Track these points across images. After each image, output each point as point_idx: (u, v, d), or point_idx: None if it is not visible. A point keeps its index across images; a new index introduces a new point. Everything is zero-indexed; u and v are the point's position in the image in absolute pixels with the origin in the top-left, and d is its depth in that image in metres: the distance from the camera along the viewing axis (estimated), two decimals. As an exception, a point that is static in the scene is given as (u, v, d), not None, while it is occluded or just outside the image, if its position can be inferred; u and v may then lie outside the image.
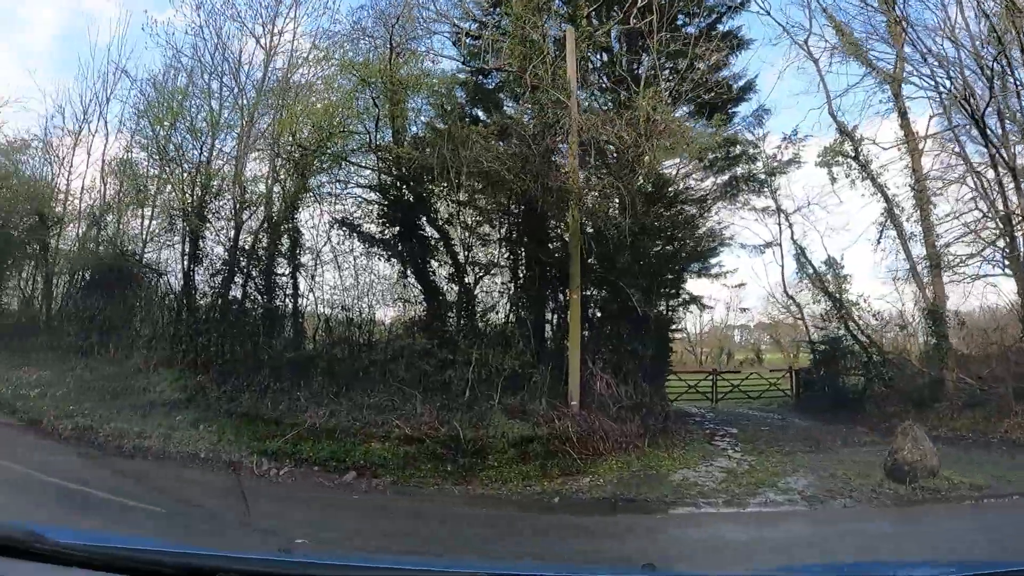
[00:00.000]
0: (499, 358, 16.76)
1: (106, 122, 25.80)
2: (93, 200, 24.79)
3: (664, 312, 22.45)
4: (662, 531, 12.05)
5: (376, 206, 19.57)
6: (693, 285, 25.19)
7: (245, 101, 22.07)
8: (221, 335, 19.44)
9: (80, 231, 25.04)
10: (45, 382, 18.48)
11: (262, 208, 20.96)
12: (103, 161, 24.87)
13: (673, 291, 23.50)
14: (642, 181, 17.74)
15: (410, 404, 16.05)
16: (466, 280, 19.07)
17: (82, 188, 25.49)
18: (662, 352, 21.67)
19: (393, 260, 19.58)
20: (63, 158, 26.16)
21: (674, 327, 25.37)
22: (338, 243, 19.98)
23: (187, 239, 21.39)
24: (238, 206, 20.78)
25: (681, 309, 25.17)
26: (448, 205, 18.63)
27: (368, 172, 19.58)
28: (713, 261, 25.33)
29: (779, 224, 25.15)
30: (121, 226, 23.67)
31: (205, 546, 4.08)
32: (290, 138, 18.45)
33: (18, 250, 25.88)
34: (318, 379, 17.14)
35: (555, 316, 19.08)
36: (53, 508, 9.83)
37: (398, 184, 18.47)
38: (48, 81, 74.44)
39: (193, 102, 22.03)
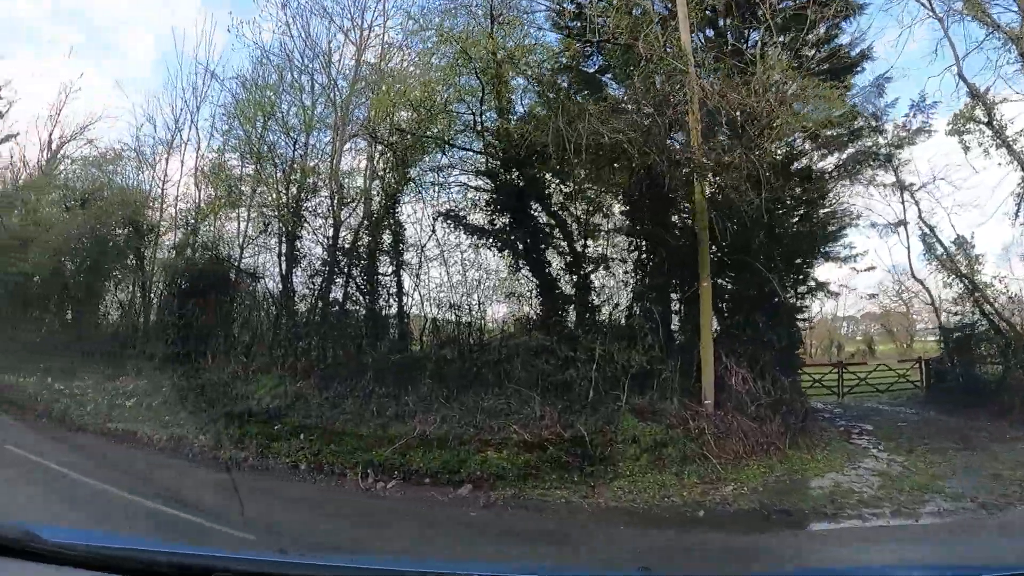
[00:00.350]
0: (625, 354, 15.14)
1: (197, 128, 25.78)
2: (187, 206, 24.48)
3: (793, 299, 20.41)
4: (834, 551, 10.22)
5: (483, 194, 18.25)
6: (819, 270, 22.93)
7: (337, 95, 21.27)
8: (322, 338, 18.51)
9: (175, 238, 24.70)
10: (141, 391, 17.96)
11: (361, 204, 19.96)
12: (196, 166, 24.69)
13: (801, 276, 21.43)
14: (772, 152, 15.87)
15: (528, 407, 14.55)
16: (584, 270, 17.53)
17: (176, 195, 25.37)
18: (793, 343, 19.67)
19: (504, 252, 18.21)
20: (155, 166, 26.34)
21: (802, 316, 23.19)
22: (443, 237, 18.78)
23: (284, 240, 20.65)
24: (335, 203, 19.90)
25: (808, 296, 23.02)
26: (563, 188, 17.16)
27: (473, 158, 18.23)
28: (840, 243, 23.06)
29: (903, 202, 22.75)
30: (216, 230, 23.15)
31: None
32: (388, 123, 17.28)
33: (115, 261, 25.85)
34: (426, 383, 15.84)
35: (681, 306, 17.32)
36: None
37: (507, 168, 17.06)
38: (139, 93, 76.40)
39: (284, 99, 21.36)
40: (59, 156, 32.59)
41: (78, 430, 17.07)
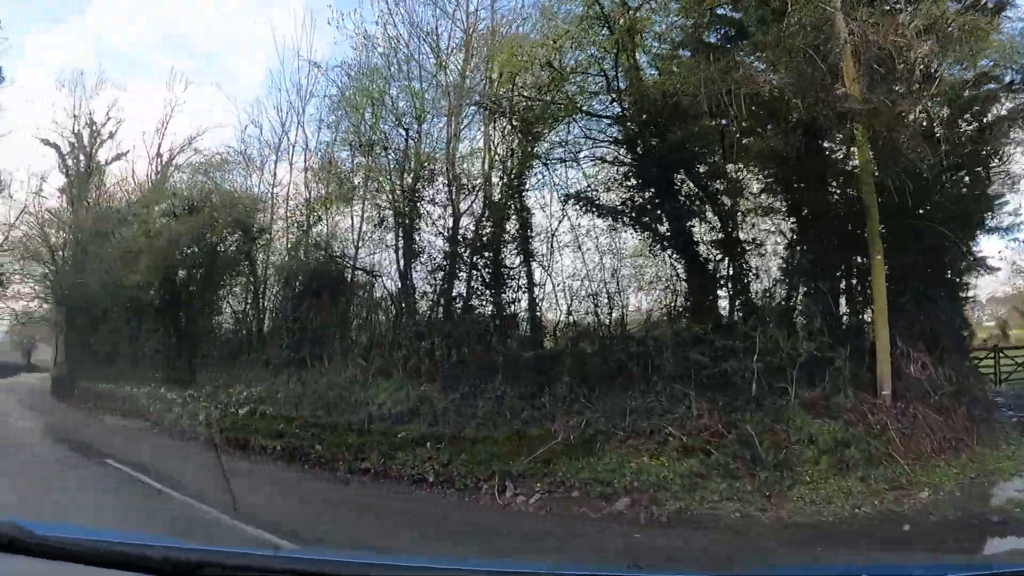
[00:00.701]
0: (790, 341, 13.07)
1: (304, 128, 25.29)
2: (297, 205, 23.54)
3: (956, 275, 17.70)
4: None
5: (619, 168, 16.40)
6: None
7: (447, 77, 19.81)
8: (446, 337, 17.04)
9: (287, 241, 23.85)
10: (255, 399, 17.03)
11: (481, 191, 18.51)
12: (305, 165, 24.00)
13: (965, 248, 18.58)
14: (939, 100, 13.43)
15: (682, 405, 12.65)
16: (738, 247, 15.49)
17: (286, 196, 24.57)
18: (964, 324, 17.01)
19: (644, 233, 16.33)
20: (263, 169, 26.08)
21: (966, 294, 20.26)
22: (575, 220, 17.12)
23: (401, 234, 19.34)
24: (454, 191, 18.45)
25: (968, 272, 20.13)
26: (712, 156, 15.12)
27: (606, 130, 16.42)
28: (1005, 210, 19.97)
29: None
30: (329, 229, 22.19)
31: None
32: (510, 90, 15.63)
33: (226, 267, 25.42)
34: (564, 381, 14.14)
35: (846, 284, 15.15)
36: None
37: (647, 134, 15.14)
38: (244, 107, 77.76)
39: (393, 87, 20.12)
40: (167, 167, 32.60)
41: (189, 440, 16.18)
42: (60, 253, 38.81)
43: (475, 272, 17.83)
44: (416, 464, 12.15)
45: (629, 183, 16.07)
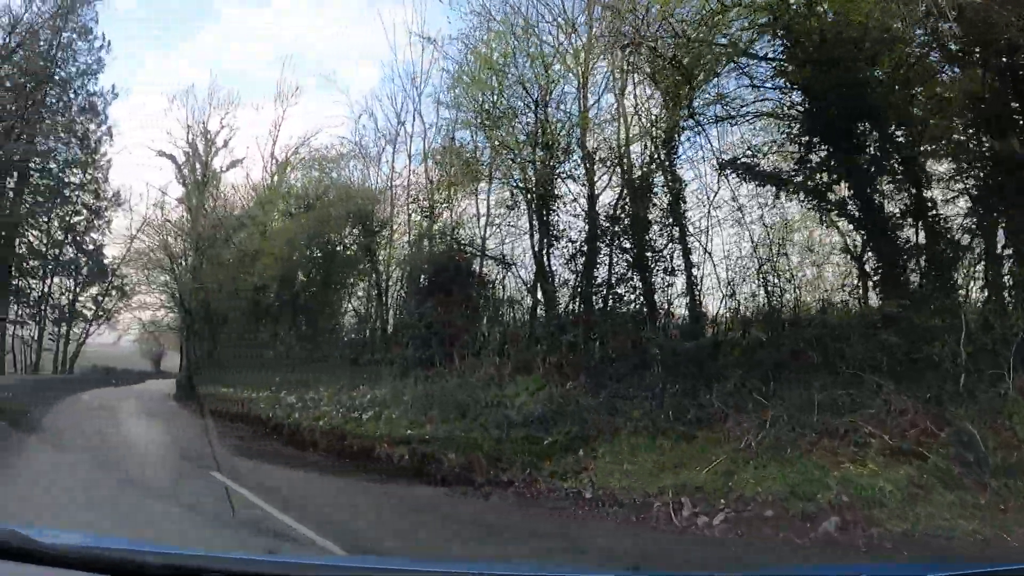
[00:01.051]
0: (1004, 318, 10.94)
1: (421, 116, 23.77)
2: (419, 194, 22.15)
3: None
4: None
5: (788, 124, 14.27)
6: None
7: (579, 41, 17.92)
8: (589, 329, 15.18)
9: (409, 233, 22.47)
10: (380, 402, 15.72)
11: (624, 161, 16.54)
12: (424, 152, 22.65)
13: None
14: None
15: (877, 398, 10.43)
16: (932, 211, 13.26)
17: (406, 186, 23.30)
18: None
19: (817, 201, 14.03)
20: (379, 159, 24.90)
21: None
22: (734, 189, 15.25)
23: (535, 217, 17.61)
24: (592, 163, 16.63)
25: None
26: (902, 98, 12.83)
27: (770, 77, 14.26)
28: None
29: None
30: (454, 218, 20.70)
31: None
32: (658, 32, 13.66)
33: (346, 265, 24.40)
34: (733, 374, 12.15)
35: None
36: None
37: (822, 76, 12.79)
38: (358, 96, 77.91)
39: (518, 55, 18.30)
40: (283, 167, 32.04)
41: (308, 447, 15.05)
42: (180, 262, 39.39)
43: (621, 254, 15.98)
44: (568, 476, 10.33)
45: (799, 141, 13.93)
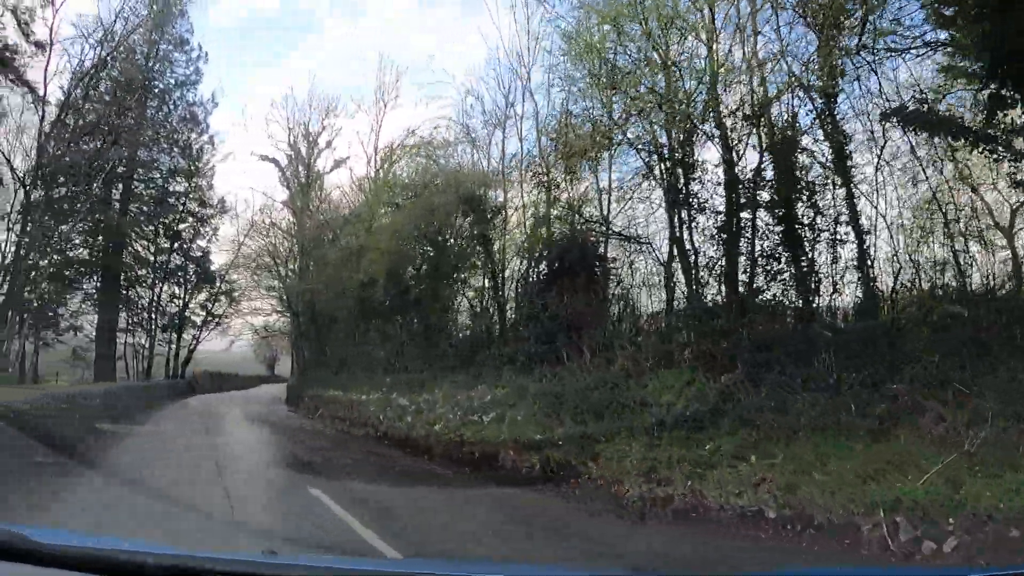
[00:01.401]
0: None
1: (531, 94, 23.12)
2: (535, 174, 20.36)
3: None
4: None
5: (967, 59, 12.00)
6: None
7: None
8: (740, 312, 13.23)
9: (526, 218, 20.92)
10: (501, 402, 14.11)
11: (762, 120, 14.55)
12: (538, 130, 21.07)
13: None
14: None
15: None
16: None
17: (519, 167, 21.76)
18: None
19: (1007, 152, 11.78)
20: (489, 143, 23.71)
21: None
22: (904, 141, 13.07)
23: (667, 188, 15.74)
24: (736, 121, 14.63)
25: None
26: None
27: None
28: None
29: None
30: (574, 194, 18.84)
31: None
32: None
33: (459, 256, 23.05)
34: (922, 359, 10.06)
35: None
36: None
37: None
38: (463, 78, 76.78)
39: (638, 10, 16.21)
40: (388, 158, 30.98)
41: (422, 454, 13.74)
42: (287, 264, 39.25)
43: (771, 225, 13.98)
44: (741, 489, 8.43)
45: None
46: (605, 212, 18.24)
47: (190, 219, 41.91)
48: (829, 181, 13.48)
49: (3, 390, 15.72)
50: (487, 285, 21.92)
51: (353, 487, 10.24)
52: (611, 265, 17.48)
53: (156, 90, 38.93)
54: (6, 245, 28.79)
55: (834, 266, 13.38)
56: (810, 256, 13.45)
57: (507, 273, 21.62)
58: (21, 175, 29.65)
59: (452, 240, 23.07)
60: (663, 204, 16.30)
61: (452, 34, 59.92)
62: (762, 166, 14.47)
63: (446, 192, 21.49)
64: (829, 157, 13.37)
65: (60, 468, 10.10)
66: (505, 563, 6.06)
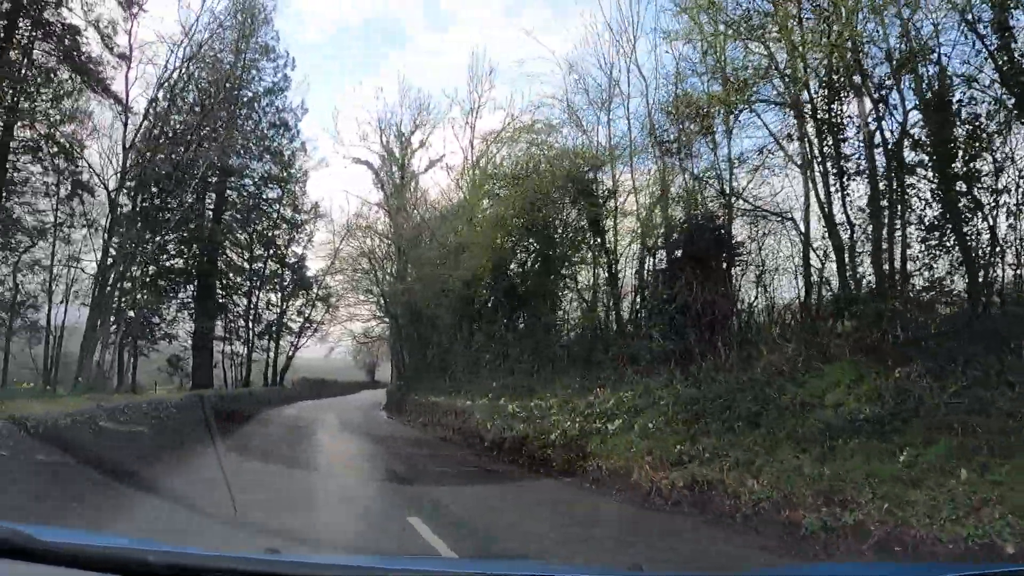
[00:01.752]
0: None
1: (639, 67, 21.44)
2: (649, 149, 18.69)
3: None
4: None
5: None
6: None
7: None
8: (901, 296, 11.33)
9: (640, 201, 19.11)
10: (627, 408, 12.35)
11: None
12: (647, 103, 19.06)
13: None
14: None
15: None
16: None
17: (631, 145, 19.91)
18: None
19: None
20: (595, 122, 21.55)
21: None
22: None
23: (810, 150, 13.87)
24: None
25: None
26: None
27: None
28: None
29: None
30: (693, 168, 17.11)
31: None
32: None
33: (569, 246, 21.36)
34: None
35: None
36: None
37: None
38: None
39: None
40: (490, 146, 29.55)
41: (539, 467, 12.38)
42: (384, 267, 38.71)
43: (940, 191, 11.94)
44: (960, 515, 6.61)
45: None
46: (732, 187, 16.31)
47: (284, 225, 41.89)
48: (1006, 133, 11.32)
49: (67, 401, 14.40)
50: (600, 277, 20.18)
51: (457, 513, 8.73)
52: (741, 248, 15.52)
53: (245, 98, 38.75)
54: (103, 255, 28.56)
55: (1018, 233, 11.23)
56: (990, 223, 11.33)
57: (622, 262, 19.88)
58: (106, 184, 29.59)
59: (560, 230, 21.39)
60: (803, 173, 14.32)
61: (545, 29, 58.37)
62: (920, 121, 12.40)
63: (551, 177, 19.90)
64: (1006, 102, 11.20)
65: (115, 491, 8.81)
66: (506, 560, 5.82)
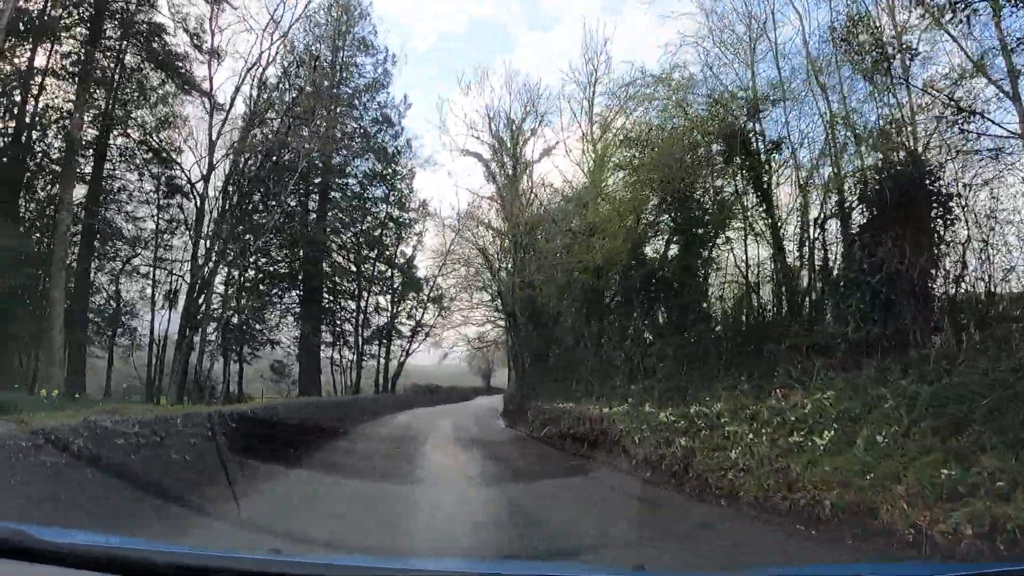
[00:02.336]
0: None
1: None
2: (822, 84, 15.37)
3: None
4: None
5: None
6: None
7: None
8: None
9: (827, 147, 15.59)
10: (829, 415, 9.50)
11: None
12: (803, 37, 16.14)
13: None
14: None
15: None
16: None
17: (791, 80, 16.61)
18: None
19: None
20: (750, 58, 18.20)
21: None
22: None
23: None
24: None
25: None
26: None
27: None
28: None
29: None
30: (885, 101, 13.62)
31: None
32: None
33: (719, 214, 17.89)
34: None
35: None
36: None
37: None
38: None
39: None
40: (608, 121, 26.47)
41: (716, 498, 9.02)
42: (501, 263, 36.05)
43: None
44: None
45: None
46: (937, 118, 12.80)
47: (391, 224, 40.22)
48: None
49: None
50: (765, 242, 16.75)
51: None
52: (960, 200, 11.86)
53: (344, 94, 37.26)
54: (192, 259, 27.49)
55: None
56: None
57: (789, 232, 16.42)
58: (192, 183, 29.05)
59: (706, 201, 18.06)
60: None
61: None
62: None
63: (695, 135, 16.69)
64: None
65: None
66: (505, 562, 5.40)
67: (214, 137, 26.49)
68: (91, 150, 28.73)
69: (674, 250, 18.89)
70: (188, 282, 26.98)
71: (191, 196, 29.35)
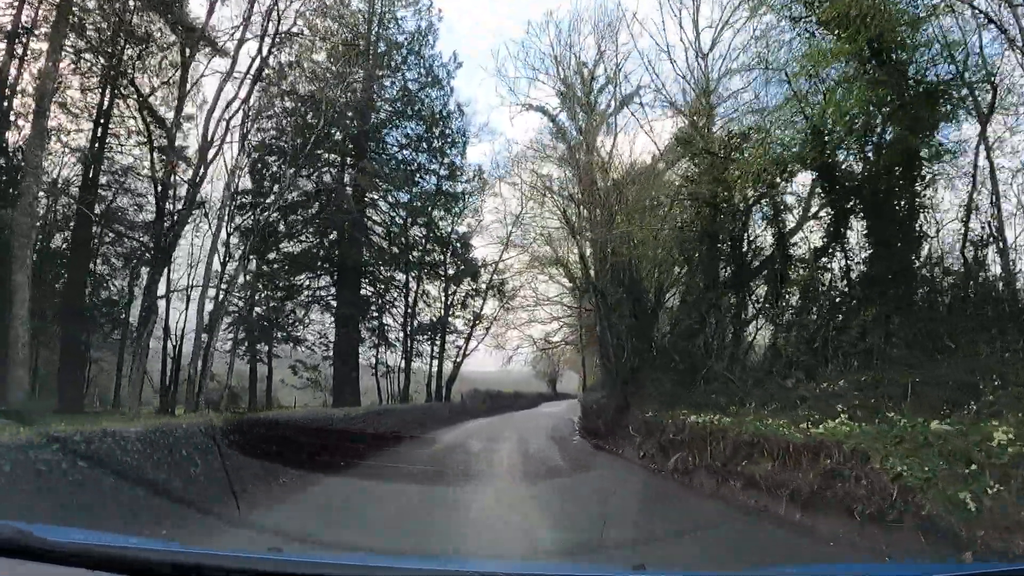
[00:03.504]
0: None
1: None
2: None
3: None
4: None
5: None
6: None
7: None
8: None
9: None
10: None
11: None
12: None
13: None
14: None
15: None
16: None
17: None
18: None
19: None
20: None
21: None
22: None
23: None
24: None
25: None
26: None
27: None
28: None
29: None
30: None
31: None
32: None
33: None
34: None
35: None
36: None
37: None
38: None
39: None
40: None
41: None
42: (579, 230, 28.64)
43: None
44: None
45: None
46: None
47: (441, 199, 34.05)
48: None
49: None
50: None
51: None
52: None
53: (380, 48, 31.75)
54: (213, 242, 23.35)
55: None
56: None
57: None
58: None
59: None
60: None
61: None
62: None
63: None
64: None
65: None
66: (504, 562, 5.29)
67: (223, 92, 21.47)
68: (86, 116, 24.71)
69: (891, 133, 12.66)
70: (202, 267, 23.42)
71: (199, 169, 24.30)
